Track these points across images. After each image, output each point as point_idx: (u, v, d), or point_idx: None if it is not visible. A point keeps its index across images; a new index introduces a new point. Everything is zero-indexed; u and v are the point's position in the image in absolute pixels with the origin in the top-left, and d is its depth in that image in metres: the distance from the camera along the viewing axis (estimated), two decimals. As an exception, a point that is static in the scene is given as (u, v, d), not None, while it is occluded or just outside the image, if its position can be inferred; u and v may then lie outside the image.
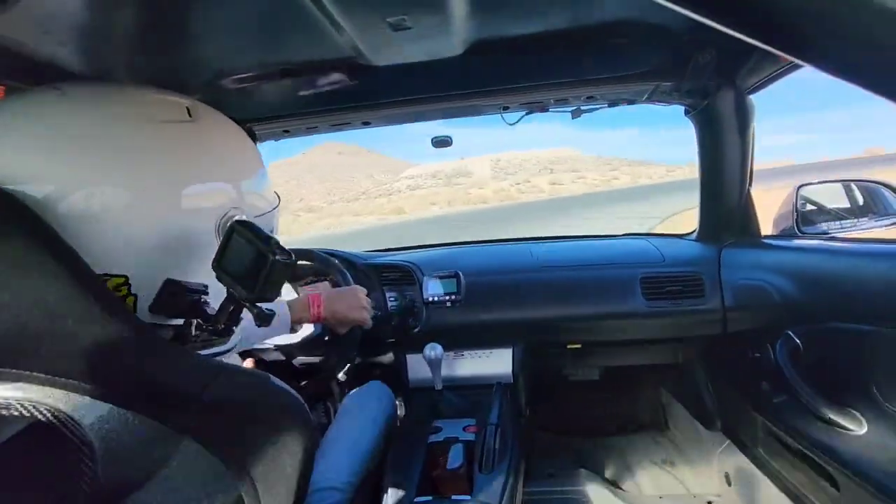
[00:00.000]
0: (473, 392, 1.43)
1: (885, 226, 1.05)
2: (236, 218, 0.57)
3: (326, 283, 1.30)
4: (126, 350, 0.42)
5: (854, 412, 1.01)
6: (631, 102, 1.31)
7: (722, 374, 1.56)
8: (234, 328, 0.59)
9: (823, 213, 1.25)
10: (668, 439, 1.69)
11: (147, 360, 0.43)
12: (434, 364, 1.29)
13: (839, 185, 1.23)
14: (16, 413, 0.36)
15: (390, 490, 1.04)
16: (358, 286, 1.17)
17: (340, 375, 1.42)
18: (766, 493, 1.27)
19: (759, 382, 1.31)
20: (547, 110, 1.29)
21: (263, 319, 0.57)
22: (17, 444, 0.37)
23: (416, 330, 1.47)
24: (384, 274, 1.51)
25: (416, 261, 1.55)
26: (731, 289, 1.36)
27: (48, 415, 0.36)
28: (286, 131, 1.33)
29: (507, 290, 1.48)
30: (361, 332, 1.21)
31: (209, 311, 0.55)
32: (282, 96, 1.14)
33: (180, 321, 0.56)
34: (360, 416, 1.23)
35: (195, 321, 0.55)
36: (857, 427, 0.99)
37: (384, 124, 1.34)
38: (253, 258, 0.50)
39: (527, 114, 1.32)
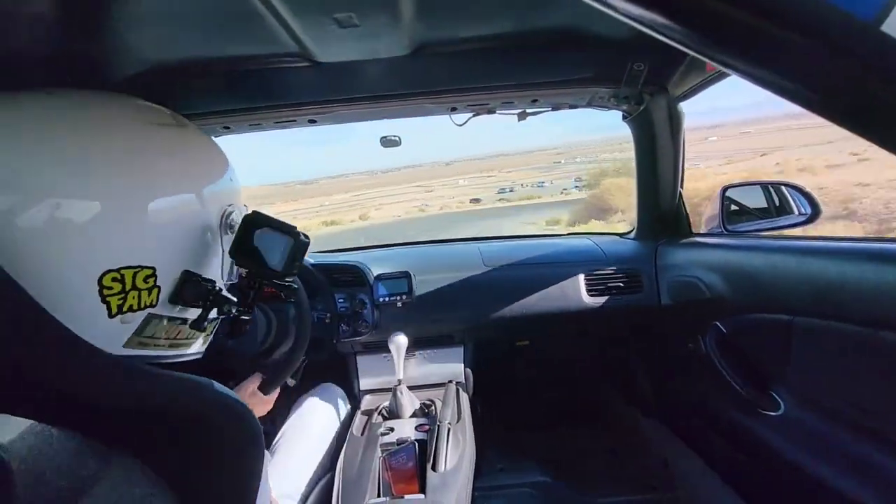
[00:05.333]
0: (426, 391, 1.44)
1: (796, 224, 1.16)
2: (247, 212, 0.66)
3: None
4: (48, 360, 0.39)
5: (772, 394, 1.10)
6: (573, 107, 1.36)
7: (659, 365, 1.65)
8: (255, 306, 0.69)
9: (746, 212, 1.36)
10: (611, 429, 1.77)
11: (71, 369, 0.40)
12: (399, 353, 1.30)
13: (758, 186, 1.33)
14: None
15: (343, 493, 1.03)
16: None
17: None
18: (702, 475, 1.36)
19: (692, 372, 1.40)
20: (494, 112, 1.32)
21: (290, 293, 0.70)
22: None
23: (367, 331, 1.45)
24: (334, 276, 1.49)
25: (365, 261, 1.54)
26: (666, 284, 1.45)
27: None
28: (226, 127, 1.27)
29: (456, 290, 1.50)
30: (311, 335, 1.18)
31: (225, 295, 0.63)
32: (223, 91, 1.09)
33: (197, 311, 0.60)
34: (313, 421, 1.21)
35: (214, 309, 0.61)
36: (774, 408, 1.09)
37: (331, 122, 1.31)
38: (281, 242, 0.64)
39: (474, 115, 1.35)
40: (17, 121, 0.48)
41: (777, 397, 1.09)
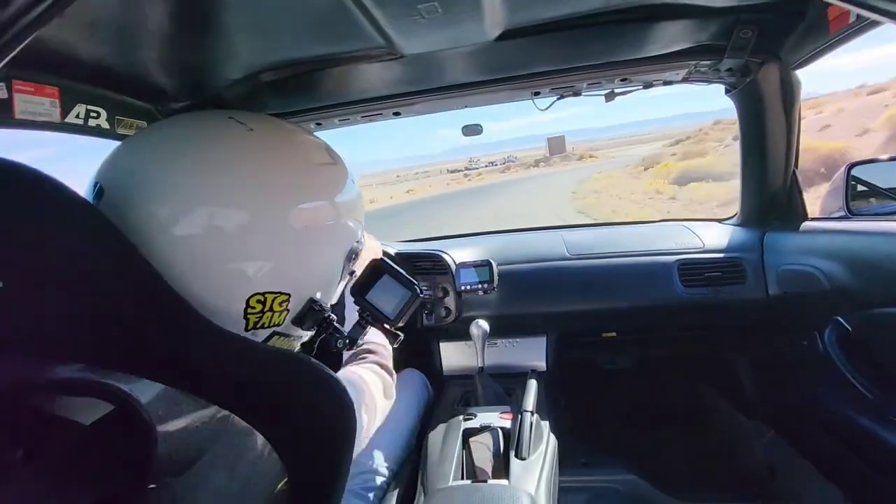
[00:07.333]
0: (507, 380, 1.43)
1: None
2: (380, 256, 0.72)
3: None
4: (174, 334, 0.44)
5: None
6: (668, 83, 1.27)
7: (765, 363, 1.51)
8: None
9: (876, 193, 1.19)
10: (707, 430, 1.65)
11: (195, 343, 0.46)
12: (480, 340, 1.31)
13: (893, 163, 1.16)
14: (82, 392, 0.39)
15: (428, 475, 1.06)
16: None
17: None
18: (814, 485, 1.23)
19: (806, 371, 1.26)
20: (579, 94, 1.27)
21: (394, 340, 0.76)
22: (84, 427, 0.39)
23: (449, 318, 1.48)
24: (416, 263, 1.52)
25: (447, 249, 1.56)
26: (775, 274, 1.31)
27: (112, 394, 0.38)
28: (318, 124, 1.34)
29: (539, 279, 1.47)
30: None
31: (336, 326, 0.67)
32: (314, 89, 1.15)
33: (309, 333, 0.66)
34: (399, 403, 1.26)
35: (322, 336, 0.66)
36: None
37: (414, 114, 1.33)
38: (399, 294, 0.70)
39: (558, 99, 1.30)
40: (187, 140, 0.56)
41: None
